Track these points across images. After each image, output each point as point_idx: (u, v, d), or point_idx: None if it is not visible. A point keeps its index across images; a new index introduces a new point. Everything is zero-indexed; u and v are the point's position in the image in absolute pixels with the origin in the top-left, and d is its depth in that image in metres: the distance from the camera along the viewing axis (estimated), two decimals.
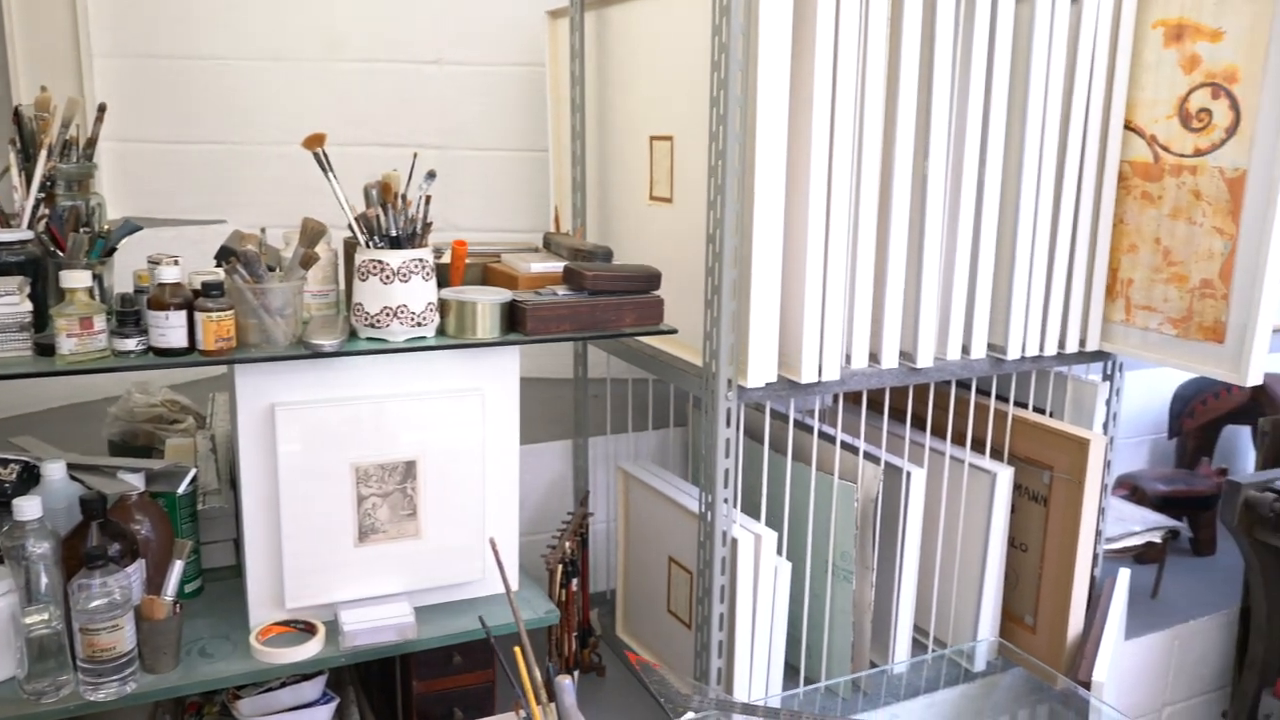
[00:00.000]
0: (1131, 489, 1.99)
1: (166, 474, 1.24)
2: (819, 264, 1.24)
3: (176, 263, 1.07)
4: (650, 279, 1.24)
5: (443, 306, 1.17)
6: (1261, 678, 1.71)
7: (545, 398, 1.84)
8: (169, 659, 1.09)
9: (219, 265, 1.13)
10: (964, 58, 1.32)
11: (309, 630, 1.16)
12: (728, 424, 1.25)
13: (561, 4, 1.59)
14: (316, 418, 1.14)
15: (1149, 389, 2.24)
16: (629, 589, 1.61)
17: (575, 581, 1.42)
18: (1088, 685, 1.40)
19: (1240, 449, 2.30)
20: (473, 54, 1.86)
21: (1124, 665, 1.72)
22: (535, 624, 1.24)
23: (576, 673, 1.44)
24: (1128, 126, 1.43)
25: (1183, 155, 1.36)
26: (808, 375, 1.27)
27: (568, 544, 1.39)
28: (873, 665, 1.51)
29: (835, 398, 1.68)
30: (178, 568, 1.10)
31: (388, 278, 1.11)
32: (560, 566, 1.36)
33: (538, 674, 0.88)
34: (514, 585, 1.30)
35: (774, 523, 1.39)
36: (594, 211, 1.61)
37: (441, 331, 1.17)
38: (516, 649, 0.88)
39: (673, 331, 1.25)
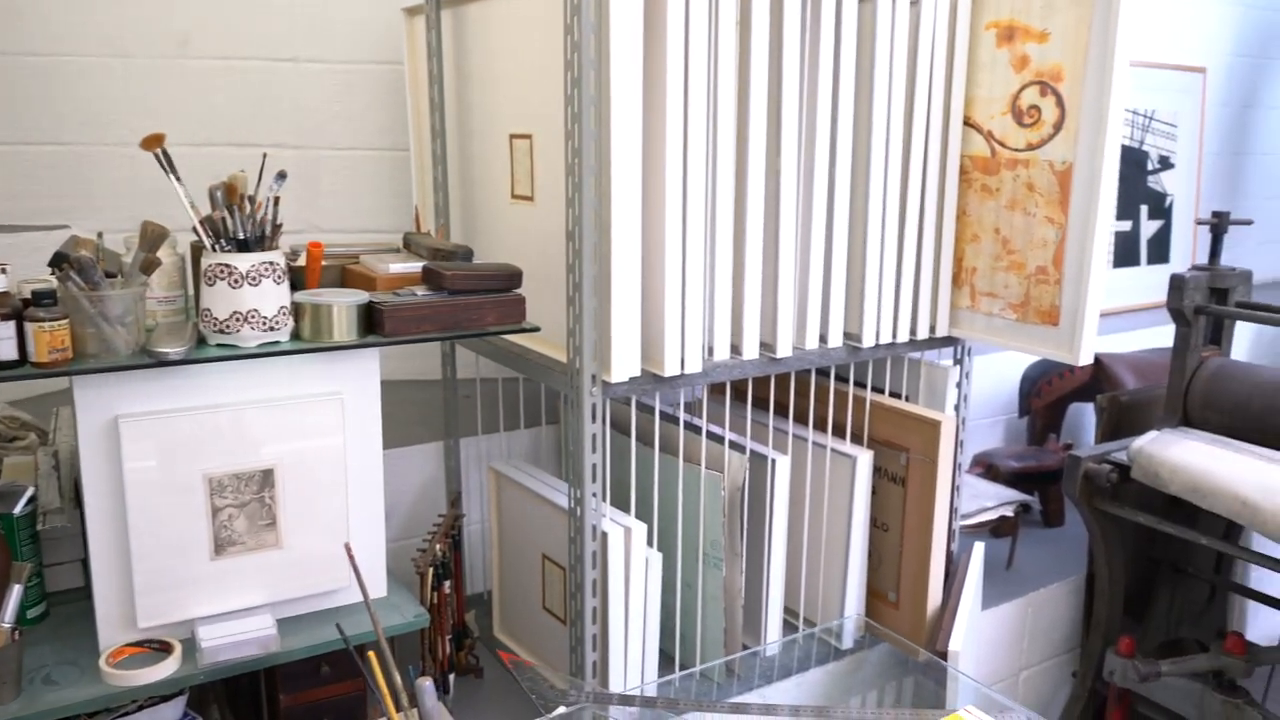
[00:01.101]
0: (986, 467, 2.09)
1: (1, 494, 1.18)
2: (678, 259, 1.27)
3: (4, 270, 1.01)
4: (511, 277, 1.24)
5: (297, 310, 1.14)
6: (1105, 637, 1.82)
7: (415, 400, 1.82)
8: (9, 689, 1.03)
9: (53, 272, 1.08)
10: (811, 56, 1.36)
11: (164, 649, 1.12)
12: (593, 419, 1.27)
13: (417, 1, 1.57)
14: (164, 429, 1.09)
15: (1001, 371, 2.36)
16: (504, 588, 1.61)
17: (448, 584, 1.41)
18: (945, 655, 1.47)
19: (1085, 425, 2.45)
20: (330, 52, 1.81)
21: (982, 634, 1.82)
22: (404, 628, 1.22)
23: (452, 675, 1.44)
24: (967, 123, 1.50)
25: (1017, 150, 1.44)
26: (671, 368, 1.29)
27: (438, 546, 1.38)
28: (745, 649, 1.55)
29: (706, 389, 1.72)
30: (16, 592, 1.05)
31: (236, 282, 1.08)
32: (431, 569, 1.35)
33: (397, 678, 0.87)
34: (382, 591, 1.28)
35: (644, 515, 1.41)
36: (457, 211, 1.60)
37: (297, 336, 1.15)
38: (371, 654, 0.87)
39: (535, 329, 1.25)
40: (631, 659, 1.39)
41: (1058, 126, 1.39)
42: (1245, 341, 2.89)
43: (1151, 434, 1.71)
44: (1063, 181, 1.39)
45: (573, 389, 1.27)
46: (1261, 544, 1.80)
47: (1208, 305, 1.77)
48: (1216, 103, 2.94)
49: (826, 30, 1.35)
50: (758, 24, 1.29)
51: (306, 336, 1.14)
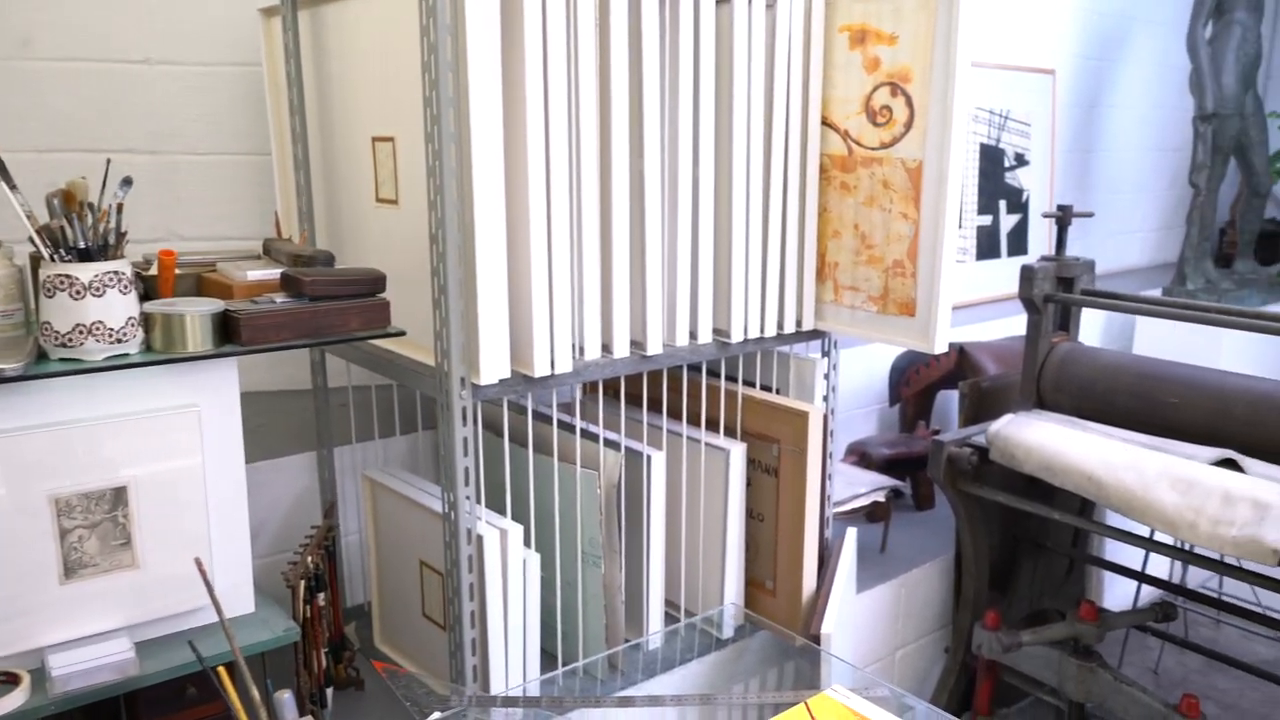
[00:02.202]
0: (860, 455, 2.17)
1: None
2: (543, 261, 1.27)
3: None
4: (374, 281, 1.22)
5: (148, 320, 1.10)
6: (974, 613, 1.91)
7: (286, 410, 1.77)
8: None
9: None
10: (671, 58, 1.39)
11: (11, 681, 1.06)
12: (464, 422, 1.26)
13: (273, 1, 1.54)
14: (3, 449, 1.04)
15: (874, 362, 2.44)
16: (384, 598, 1.59)
17: (323, 596, 1.38)
18: (818, 639, 1.52)
19: (953, 411, 2.56)
20: (184, 53, 1.75)
21: (859, 616, 1.88)
22: (273, 644, 1.19)
23: (331, 689, 1.41)
24: (825, 123, 1.55)
25: (871, 148, 1.50)
26: (541, 369, 1.30)
27: (310, 559, 1.35)
28: (628, 644, 1.57)
29: (583, 388, 1.73)
30: None
31: (78, 293, 1.04)
32: (303, 582, 1.32)
33: (255, 694, 0.85)
34: (249, 607, 1.25)
35: (521, 516, 1.41)
36: (322, 215, 1.57)
37: (149, 347, 1.11)
38: (221, 669, 0.85)
39: (401, 334, 1.24)
40: (512, 660, 1.39)
41: (908, 126, 1.45)
42: (1097, 328, 3.06)
43: (1007, 417, 1.80)
44: (914, 178, 1.45)
45: (442, 393, 1.26)
46: (1115, 518, 1.91)
47: (1055, 294, 1.87)
48: (1066, 103, 3.11)
49: (685, 32, 1.38)
50: (616, 25, 1.30)
51: (158, 348, 1.10)
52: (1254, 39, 2.87)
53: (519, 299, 1.28)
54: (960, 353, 2.26)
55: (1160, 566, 2.46)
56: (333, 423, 1.65)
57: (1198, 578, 2.54)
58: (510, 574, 1.35)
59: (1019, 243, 3.00)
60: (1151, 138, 3.48)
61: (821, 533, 1.67)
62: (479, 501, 1.34)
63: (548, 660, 1.51)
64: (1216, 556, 1.53)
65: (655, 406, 1.57)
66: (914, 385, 2.32)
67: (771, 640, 1.67)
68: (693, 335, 1.49)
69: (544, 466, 1.47)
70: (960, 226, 2.82)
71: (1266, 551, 1.40)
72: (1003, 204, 2.94)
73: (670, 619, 1.65)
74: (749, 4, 1.42)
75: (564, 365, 1.32)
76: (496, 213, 1.23)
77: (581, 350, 1.37)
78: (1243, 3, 2.84)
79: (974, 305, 2.78)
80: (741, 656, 1.65)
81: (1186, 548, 1.57)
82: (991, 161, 2.88)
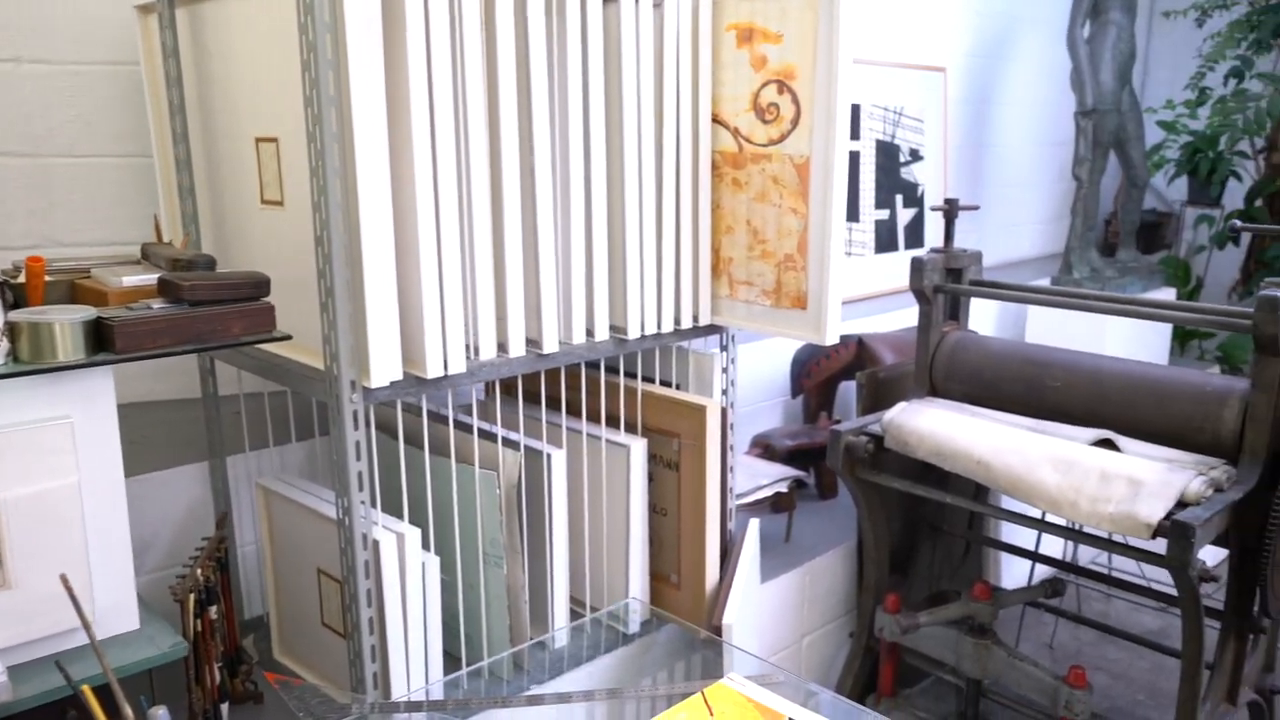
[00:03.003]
0: (765, 447, 2.20)
1: None
2: (433, 260, 1.26)
3: None
4: (257, 285, 1.19)
5: (13, 330, 1.06)
6: (875, 597, 1.96)
7: (178, 419, 1.72)
8: None
9: None
10: (560, 56, 1.39)
11: None
12: (356, 426, 1.24)
13: None
14: None
15: (777, 355, 2.48)
16: (282, 608, 1.55)
17: (214, 609, 1.35)
18: (720, 630, 1.54)
19: (853, 402, 2.62)
20: (58, 52, 1.68)
21: (765, 605, 1.91)
22: (159, 660, 1.16)
23: (226, 704, 1.38)
24: (715, 120, 1.57)
25: (760, 145, 1.53)
26: (434, 370, 1.29)
27: (200, 571, 1.32)
28: (533, 641, 1.56)
29: (486, 387, 1.72)
30: None
31: None
32: (192, 596, 1.28)
33: (128, 712, 0.82)
34: (133, 624, 1.21)
35: (419, 519, 1.40)
36: (207, 218, 1.53)
37: (16, 358, 1.06)
38: (85, 688, 0.82)
39: (286, 338, 1.22)
40: (414, 666, 1.38)
41: (795, 122, 1.47)
42: (992, 318, 3.17)
43: (900, 405, 1.85)
44: (802, 174, 1.48)
45: (332, 397, 1.24)
46: (1010, 501, 1.98)
47: (944, 284, 1.93)
48: (957, 100, 3.21)
49: (573, 30, 1.38)
50: (502, 24, 1.30)
51: (26, 358, 1.06)
52: (1128, 38, 3.00)
53: (409, 300, 1.27)
54: (859, 344, 2.32)
55: (1056, 546, 2.57)
56: (225, 432, 1.61)
57: (1088, 555, 2.65)
58: (409, 578, 1.34)
59: (916, 236, 3.08)
60: (1038, 133, 3.61)
61: (724, 525, 1.69)
62: (375, 506, 1.32)
63: (452, 664, 1.50)
64: (1104, 534, 1.60)
65: (555, 405, 1.57)
66: (815, 377, 2.36)
67: (678, 633, 1.68)
68: (590, 333, 1.49)
69: (442, 468, 1.45)
70: (859, 221, 2.89)
71: (1140, 526, 1.47)
72: (899, 199, 3.02)
73: (576, 617, 1.65)
74: (636, 3, 1.44)
75: (458, 366, 1.31)
76: (383, 213, 1.21)
77: (476, 350, 1.36)
78: (1117, 3, 2.97)
79: (873, 297, 2.85)
80: (649, 651, 1.67)
81: (1077, 527, 1.64)
82: (888, 157, 2.96)
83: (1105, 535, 1.62)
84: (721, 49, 1.54)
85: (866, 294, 2.85)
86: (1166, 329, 3.21)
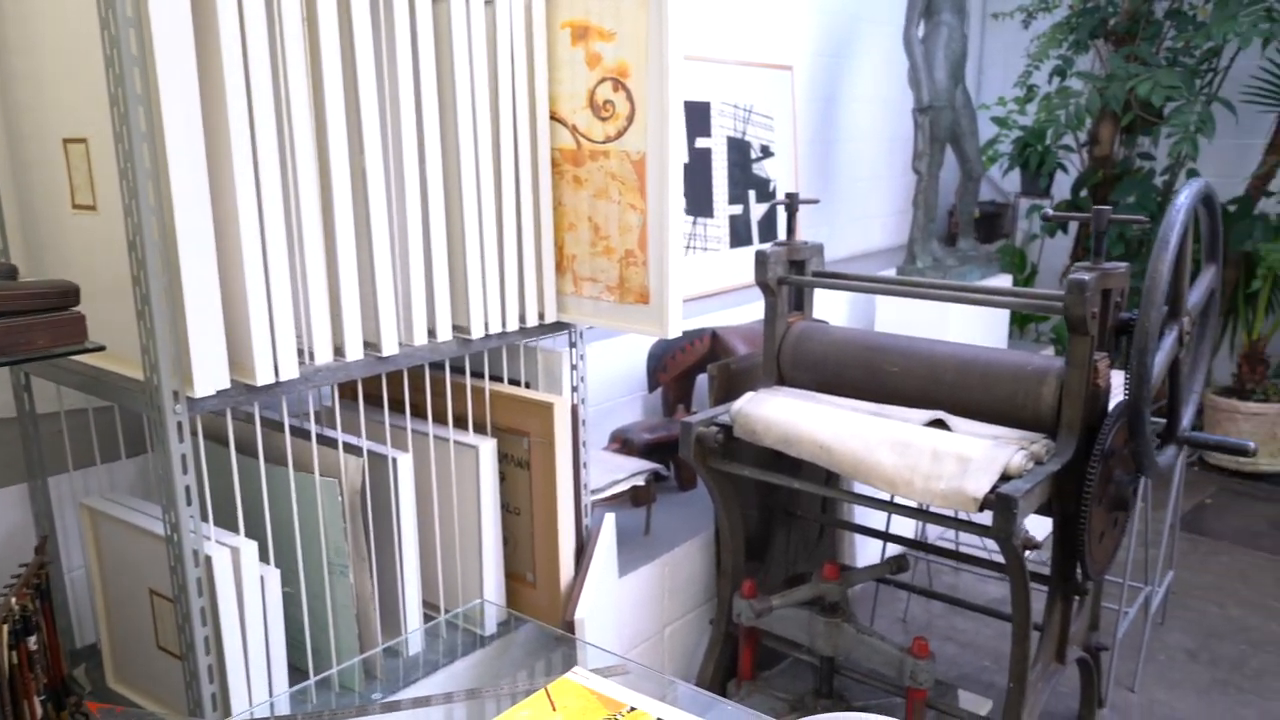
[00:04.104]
0: (623, 441, 2.22)
1: None
2: (258, 264, 1.22)
3: None
4: (64, 294, 1.13)
5: None
6: (733, 583, 2.01)
7: None
8: None
9: None
10: (389, 54, 1.36)
11: None
12: (180, 438, 1.19)
13: None
14: None
15: (634, 350, 2.51)
16: (114, 634, 1.48)
17: (34, 639, 1.27)
18: (572, 627, 1.55)
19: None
20: None
21: (625, 598, 1.93)
22: None
23: None
24: (553, 117, 1.58)
25: (598, 142, 1.54)
26: (264, 377, 1.25)
27: (14, 600, 1.24)
28: (383, 646, 1.54)
29: (329, 391, 1.68)
30: None
31: None
32: (4, 626, 1.20)
33: None
34: None
35: (257, 532, 1.35)
36: (15, 225, 1.44)
37: None
38: None
39: (100, 348, 1.15)
40: (256, 683, 1.33)
41: (630, 119, 1.49)
42: (843, 308, 3.28)
43: (748, 395, 1.90)
44: (639, 170, 1.50)
45: (153, 408, 1.19)
46: (862, 486, 2.06)
47: (787, 276, 1.99)
48: (805, 97, 3.31)
49: (401, 27, 1.36)
50: (325, 22, 1.27)
51: None
52: (959, 38, 3.16)
53: (235, 305, 1.22)
54: (713, 337, 2.36)
55: (908, 526, 2.68)
56: (45, 451, 1.52)
57: (936, 532, 2.78)
58: (246, 593, 1.30)
59: (769, 230, 3.17)
60: (882, 129, 3.76)
61: (579, 521, 1.70)
62: (206, 520, 1.27)
63: (300, 679, 1.46)
64: (950, 513, 1.69)
65: (398, 407, 1.54)
66: (672, 371, 2.40)
67: (537, 632, 1.68)
68: (432, 333, 1.48)
69: (280, 477, 1.41)
70: (713, 217, 2.94)
71: (969, 500, 1.55)
72: (752, 194, 3.10)
73: (430, 620, 1.63)
74: (466, 1, 1.42)
75: (290, 371, 1.27)
76: (200, 215, 1.17)
77: (311, 355, 1.33)
78: (948, 5, 3.12)
79: (728, 291, 2.92)
80: (507, 651, 1.66)
81: (925, 507, 1.72)
82: (740, 153, 3.03)
83: (953, 514, 1.71)
84: (557, 46, 1.55)
85: (721, 288, 2.91)
86: (1005, 313, 3.39)
